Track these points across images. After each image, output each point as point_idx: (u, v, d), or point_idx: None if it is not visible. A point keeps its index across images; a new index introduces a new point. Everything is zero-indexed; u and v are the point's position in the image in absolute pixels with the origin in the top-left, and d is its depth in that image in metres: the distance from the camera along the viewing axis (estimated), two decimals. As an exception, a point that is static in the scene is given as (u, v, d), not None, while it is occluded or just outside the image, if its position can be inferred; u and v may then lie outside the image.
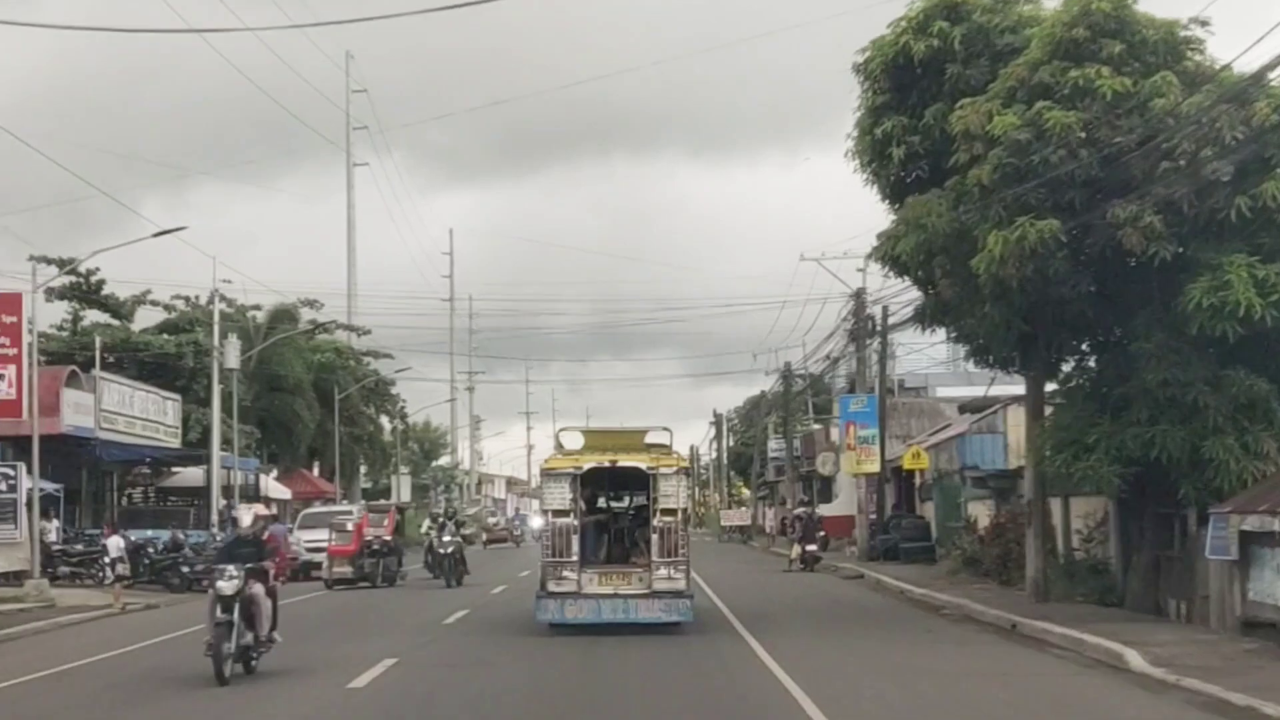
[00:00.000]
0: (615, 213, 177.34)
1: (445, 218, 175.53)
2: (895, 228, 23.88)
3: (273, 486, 61.66)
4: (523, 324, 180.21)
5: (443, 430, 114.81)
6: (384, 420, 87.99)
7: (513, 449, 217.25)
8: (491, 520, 68.63)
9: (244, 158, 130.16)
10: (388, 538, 38.37)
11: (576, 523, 22.06)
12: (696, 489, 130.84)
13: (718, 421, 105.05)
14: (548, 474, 22.59)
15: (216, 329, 52.52)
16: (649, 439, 23.54)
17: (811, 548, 40.20)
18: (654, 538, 21.99)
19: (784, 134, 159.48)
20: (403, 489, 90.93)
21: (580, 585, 21.90)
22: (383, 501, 55.04)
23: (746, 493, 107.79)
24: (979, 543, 32.61)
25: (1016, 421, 44.93)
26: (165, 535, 42.21)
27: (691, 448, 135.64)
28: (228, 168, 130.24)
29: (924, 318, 26.32)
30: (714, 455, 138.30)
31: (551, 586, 21.93)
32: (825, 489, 68.58)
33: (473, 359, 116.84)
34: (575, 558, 21.91)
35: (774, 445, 75.58)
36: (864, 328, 42.82)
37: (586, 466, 22.38)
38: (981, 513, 35.00)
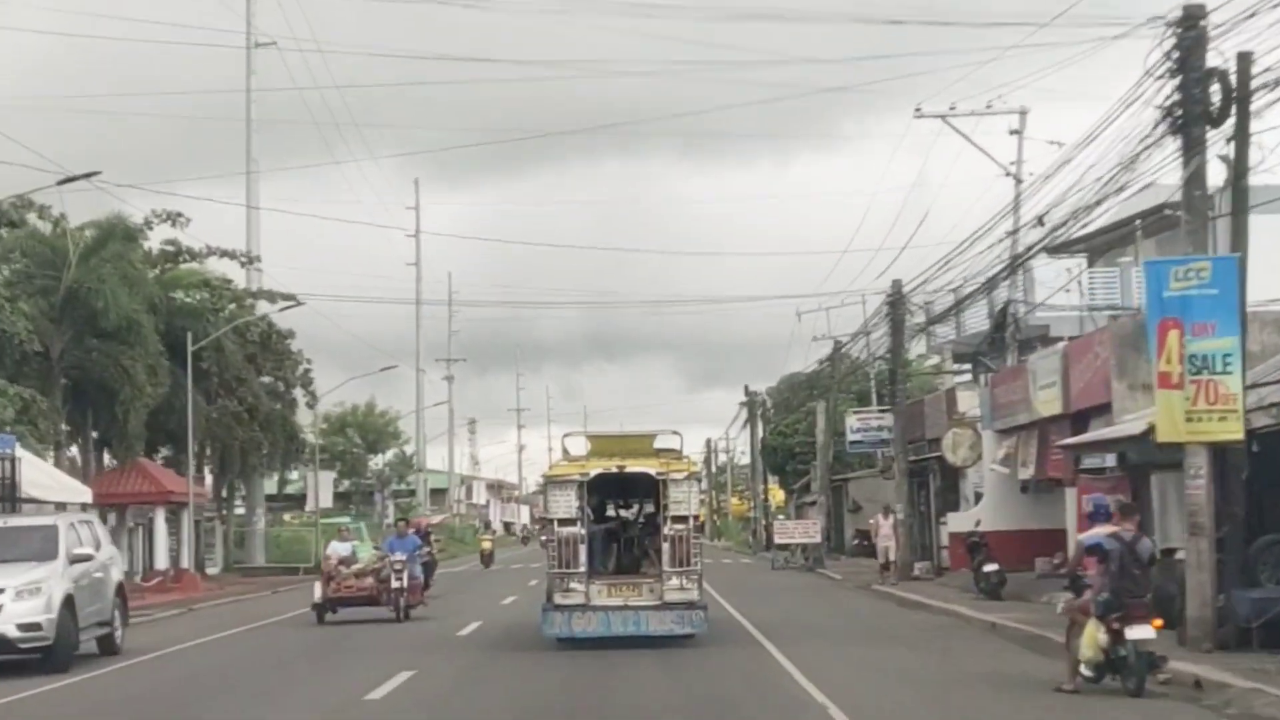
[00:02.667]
0: (608, 212, 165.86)
1: (435, 220, 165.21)
2: None
3: (44, 480, 36.58)
4: (515, 324, 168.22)
5: (394, 415, 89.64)
6: (297, 394, 62.52)
7: (495, 444, 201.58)
8: (339, 554, 31.59)
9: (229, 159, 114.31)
10: None
11: (584, 532, 21.50)
12: (713, 493, 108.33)
13: (750, 403, 79.72)
14: (552, 481, 22.07)
15: None
16: (658, 443, 22.80)
17: (1144, 634, 15.16)
18: (665, 546, 21.43)
19: (776, 134, 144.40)
20: (323, 492, 65.84)
21: (588, 597, 21.40)
22: None
23: (780, 495, 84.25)
24: None
25: None
26: None
27: (708, 442, 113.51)
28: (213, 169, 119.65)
29: None
30: (729, 453, 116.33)
31: (558, 599, 21.44)
32: (947, 488, 43.81)
33: (451, 343, 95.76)
34: (583, 568, 21.41)
35: (854, 424, 50.71)
36: (1203, 95, 18.03)
37: (593, 472, 21.85)
38: None
